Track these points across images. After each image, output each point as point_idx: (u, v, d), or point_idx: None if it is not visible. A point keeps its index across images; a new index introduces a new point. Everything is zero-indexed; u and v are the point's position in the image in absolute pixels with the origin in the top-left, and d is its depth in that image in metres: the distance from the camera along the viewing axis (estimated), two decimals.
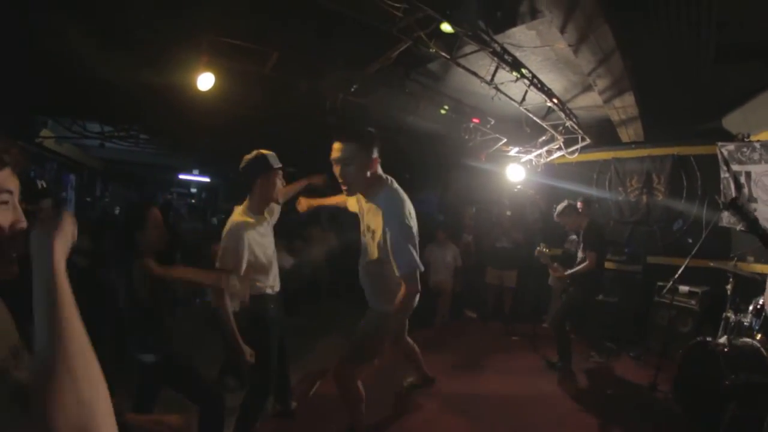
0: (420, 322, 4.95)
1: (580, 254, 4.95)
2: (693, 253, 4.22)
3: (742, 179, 5.30)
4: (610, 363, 5.22)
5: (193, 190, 16.84)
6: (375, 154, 2.51)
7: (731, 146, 5.38)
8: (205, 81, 3.98)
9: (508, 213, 7.12)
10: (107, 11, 3.70)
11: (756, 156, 5.10)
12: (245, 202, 2.94)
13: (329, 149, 2.53)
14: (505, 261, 6.76)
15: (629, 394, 4.33)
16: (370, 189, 2.57)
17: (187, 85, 4.06)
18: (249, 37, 3.88)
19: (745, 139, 5.32)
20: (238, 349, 2.75)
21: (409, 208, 2.54)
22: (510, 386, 4.39)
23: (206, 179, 15.51)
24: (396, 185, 2.61)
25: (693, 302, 5.17)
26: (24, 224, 0.91)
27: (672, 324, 5.06)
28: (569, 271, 4.87)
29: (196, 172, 14.79)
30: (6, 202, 0.89)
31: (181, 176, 15.21)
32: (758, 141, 5.11)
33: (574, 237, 5.90)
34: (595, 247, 4.79)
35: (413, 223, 2.50)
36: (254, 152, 2.88)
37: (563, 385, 4.48)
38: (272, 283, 3.04)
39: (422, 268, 2.42)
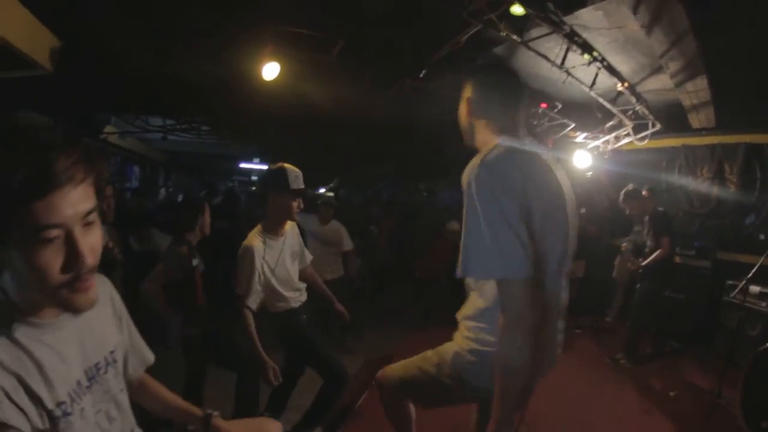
0: None
1: (649, 242, 4.86)
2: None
3: None
4: (674, 363, 5.10)
5: (254, 178, 17.36)
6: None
7: None
8: (271, 70, 4.11)
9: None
10: (166, 6, 3.79)
11: None
12: (264, 221, 2.82)
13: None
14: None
15: (691, 399, 4.21)
16: None
17: (250, 75, 4.18)
18: (314, 25, 3.96)
19: None
20: (262, 363, 2.68)
21: None
22: (570, 380, 4.26)
23: (266, 167, 15.96)
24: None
25: (764, 305, 4.83)
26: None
27: (740, 327, 4.77)
28: (644, 262, 4.77)
29: (256, 160, 15.26)
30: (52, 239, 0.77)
31: (242, 165, 15.76)
32: None
33: (638, 228, 5.76)
34: (667, 231, 4.68)
35: None
36: (278, 164, 2.74)
37: (625, 383, 4.43)
38: (293, 298, 2.91)
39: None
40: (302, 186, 2.72)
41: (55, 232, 0.76)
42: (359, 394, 3.84)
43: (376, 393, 2.06)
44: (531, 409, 1.74)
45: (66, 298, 0.82)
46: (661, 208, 5.10)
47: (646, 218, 5.02)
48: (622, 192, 5.15)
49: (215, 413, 1.23)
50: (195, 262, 2.97)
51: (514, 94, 1.64)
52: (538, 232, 1.41)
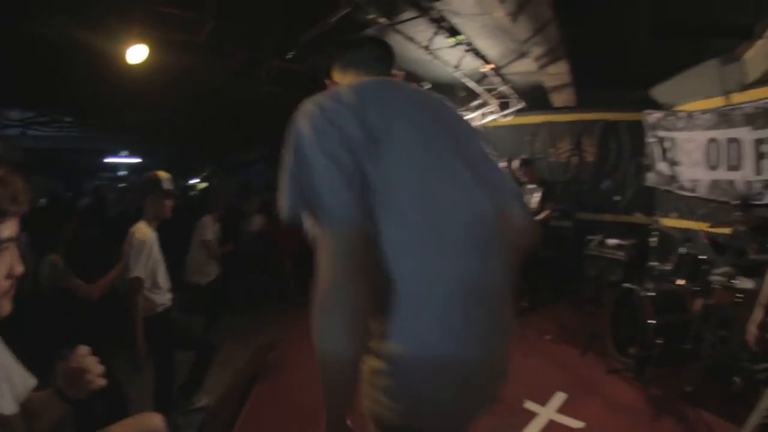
0: None
1: (536, 207, 5.31)
2: (619, 209, 4.55)
3: (667, 144, 5.81)
4: (548, 311, 5.60)
5: (123, 173, 15.77)
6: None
7: (658, 114, 5.89)
8: (137, 53, 3.72)
9: None
10: None
11: (681, 124, 5.58)
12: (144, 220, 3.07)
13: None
14: None
15: (568, 338, 4.66)
16: None
17: (116, 58, 3.77)
18: (183, 4, 3.65)
19: (671, 109, 5.80)
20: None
21: None
22: None
23: (137, 160, 14.60)
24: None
25: (621, 254, 5.62)
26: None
27: (602, 274, 5.56)
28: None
29: (124, 153, 13.88)
30: None
31: (109, 159, 14.24)
32: (683, 111, 5.58)
33: None
34: (553, 197, 5.32)
35: None
36: (152, 173, 3.09)
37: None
38: (168, 297, 3.14)
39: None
40: (173, 188, 3.14)
41: None
42: (251, 381, 3.84)
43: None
44: None
45: None
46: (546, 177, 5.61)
47: (534, 185, 5.48)
48: (518, 161, 5.61)
49: None
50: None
51: (379, 52, 1.36)
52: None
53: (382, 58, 1.35)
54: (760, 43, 4.13)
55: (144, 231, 2.95)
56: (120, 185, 14.10)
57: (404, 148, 1.04)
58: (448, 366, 1.03)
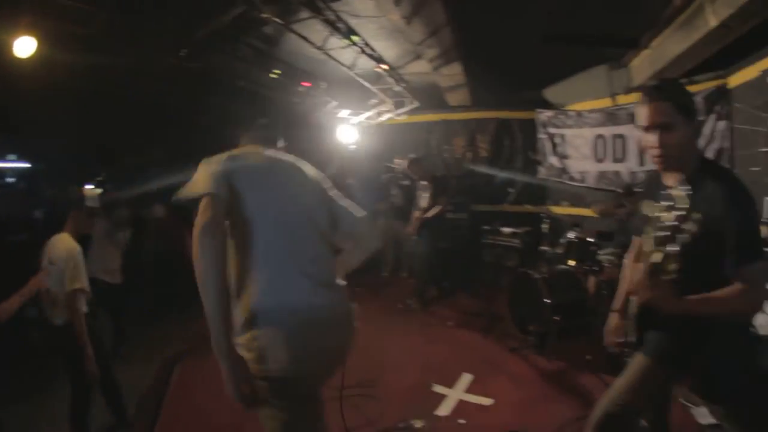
0: None
1: (427, 203, 5.46)
2: (512, 199, 4.92)
3: (557, 140, 6.50)
4: (451, 300, 5.81)
5: (11, 180, 13.81)
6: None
7: (549, 113, 6.58)
8: (25, 46, 3.35)
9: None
10: None
11: (570, 122, 6.32)
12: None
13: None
14: None
15: (469, 322, 4.91)
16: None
17: (3, 51, 3.36)
18: None
19: (562, 109, 6.47)
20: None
21: None
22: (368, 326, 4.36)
23: (26, 165, 12.89)
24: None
25: (516, 241, 6.09)
26: None
27: (499, 260, 6.00)
28: (424, 218, 5.41)
29: (12, 157, 12.22)
30: None
31: None
32: (572, 110, 6.32)
33: (396, 191, 6.66)
34: (445, 192, 5.49)
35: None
36: (74, 188, 3.26)
37: (412, 323, 4.99)
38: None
39: None
40: (96, 204, 3.50)
41: None
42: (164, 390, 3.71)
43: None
44: None
45: None
46: (439, 174, 5.82)
47: (425, 182, 5.62)
48: (408, 160, 5.76)
49: None
50: None
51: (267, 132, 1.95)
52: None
53: (269, 136, 1.92)
54: (646, 53, 4.76)
55: (73, 242, 2.94)
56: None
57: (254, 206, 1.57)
58: (302, 312, 1.49)
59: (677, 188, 1.43)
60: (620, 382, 1.69)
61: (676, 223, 1.35)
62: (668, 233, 1.37)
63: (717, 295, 1.45)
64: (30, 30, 3.33)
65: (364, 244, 1.93)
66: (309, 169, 1.85)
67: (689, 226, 1.32)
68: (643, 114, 1.59)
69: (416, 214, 5.54)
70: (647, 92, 1.60)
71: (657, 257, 1.42)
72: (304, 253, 1.60)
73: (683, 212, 1.34)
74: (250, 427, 2.61)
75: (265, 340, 1.44)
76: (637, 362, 1.67)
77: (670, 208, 1.38)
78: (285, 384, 1.46)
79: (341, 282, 1.72)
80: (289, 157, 1.84)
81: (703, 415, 2.80)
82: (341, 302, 1.67)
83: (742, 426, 2.05)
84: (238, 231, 1.53)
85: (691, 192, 1.38)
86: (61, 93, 4.94)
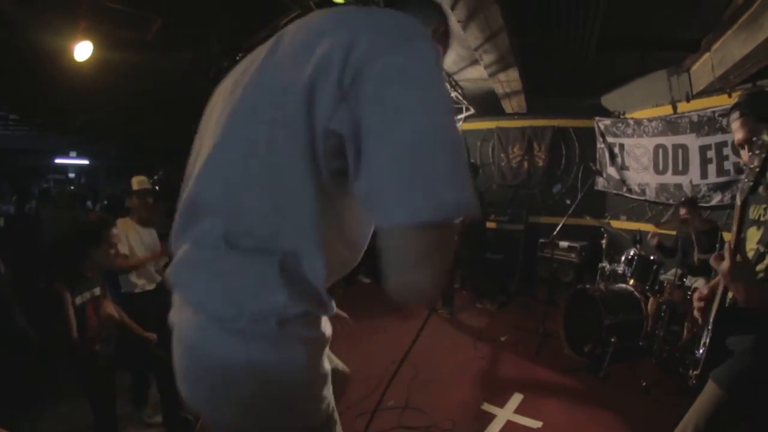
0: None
1: None
2: (570, 212, 4.69)
3: (616, 150, 6.14)
4: (503, 313, 5.65)
5: (72, 175, 14.87)
6: None
7: (608, 121, 6.22)
8: (83, 50, 3.58)
9: None
10: None
11: (629, 131, 5.93)
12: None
13: None
14: None
15: (521, 339, 4.71)
16: None
17: (63, 54, 3.61)
18: (130, 1, 3.54)
19: (621, 116, 6.13)
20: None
21: None
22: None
23: (85, 162, 13.85)
24: None
25: (573, 255, 5.82)
26: None
27: (555, 275, 5.68)
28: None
29: (73, 154, 13.14)
30: None
31: (58, 160, 13.48)
32: (632, 118, 5.95)
33: None
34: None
35: None
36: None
37: (459, 336, 4.83)
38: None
39: None
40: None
41: None
42: None
43: None
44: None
45: None
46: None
47: None
48: None
49: None
50: None
51: None
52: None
53: None
54: (705, 57, 4.40)
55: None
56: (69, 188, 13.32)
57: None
58: None
59: None
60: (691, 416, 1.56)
61: None
62: None
63: None
64: (87, 35, 3.53)
65: None
66: None
67: None
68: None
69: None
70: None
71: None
72: None
73: None
74: None
75: None
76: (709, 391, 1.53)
77: None
78: None
79: None
80: None
81: None
82: None
83: None
84: None
85: None
86: (118, 93, 5.23)
